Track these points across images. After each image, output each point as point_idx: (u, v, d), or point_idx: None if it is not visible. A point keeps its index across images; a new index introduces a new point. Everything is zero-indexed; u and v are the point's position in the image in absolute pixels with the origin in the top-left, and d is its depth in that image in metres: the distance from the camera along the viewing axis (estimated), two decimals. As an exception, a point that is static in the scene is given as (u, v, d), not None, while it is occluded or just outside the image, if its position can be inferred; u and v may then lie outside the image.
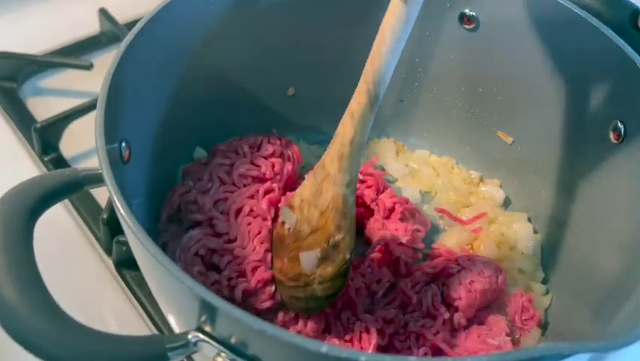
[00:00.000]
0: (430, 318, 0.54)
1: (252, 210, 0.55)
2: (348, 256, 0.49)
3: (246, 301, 0.51)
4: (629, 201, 0.51)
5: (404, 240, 0.57)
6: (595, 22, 0.53)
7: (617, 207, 0.53)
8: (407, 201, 0.63)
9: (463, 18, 0.62)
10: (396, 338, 0.52)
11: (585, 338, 0.50)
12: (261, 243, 0.53)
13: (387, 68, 0.46)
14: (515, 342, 0.55)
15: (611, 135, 0.53)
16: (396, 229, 0.58)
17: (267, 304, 0.51)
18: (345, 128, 0.47)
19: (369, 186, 0.63)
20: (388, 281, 0.55)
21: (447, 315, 0.53)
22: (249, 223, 0.54)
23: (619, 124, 0.52)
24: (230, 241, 0.53)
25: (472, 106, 0.68)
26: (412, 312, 0.54)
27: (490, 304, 0.58)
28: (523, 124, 0.64)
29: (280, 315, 0.52)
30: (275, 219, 0.55)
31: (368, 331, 0.51)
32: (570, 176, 0.59)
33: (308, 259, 0.49)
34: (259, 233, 0.53)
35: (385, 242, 0.57)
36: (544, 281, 0.62)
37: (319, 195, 0.49)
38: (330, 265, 0.49)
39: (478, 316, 0.56)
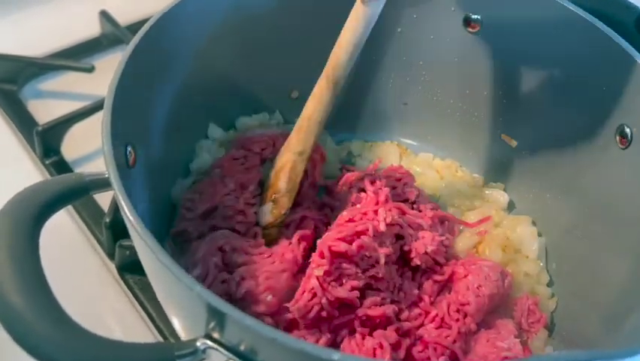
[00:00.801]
0: (446, 327, 0.53)
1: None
2: (283, 212, 0.57)
3: (244, 300, 0.51)
4: (636, 206, 0.51)
5: (429, 249, 0.56)
6: (601, 25, 0.53)
7: (623, 212, 0.52)
8: (438, 207, 0.63)
9: (468, 21, 0.62)
10: (414, 349, 0.52)
11: (593, 342, 0.50)
12: (281, 262, 0.53)
13: (347, 58, 0.53)
14: (523, 344, 0.55)
15: (618, 140, 0.53)
16: (424, 237, 0.57)
17: (261, 308, 0.51)
18: (307, 106, 0.56)
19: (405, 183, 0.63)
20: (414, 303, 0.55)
21: (463, 327, 0.53)
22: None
23: (625, 128, 0.52)
24: (255, 246, 0.55)
25: (476, 109, 0.68)
26: (427, 323, 0.54)
27: (497, 308, 0.57)
28: (527, 128, 0.64)
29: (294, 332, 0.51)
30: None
31: (382, 346, 0.50)
32: (575, 180, 0.59)
33: (262, 211, 0.58)
34: (283, 254, 0.54)
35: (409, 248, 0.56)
36: (550, 284, 0.62)
37: (280, 157, 0.58)
38: (270, 216, 0.58)
39: (486, 320, 0.55)
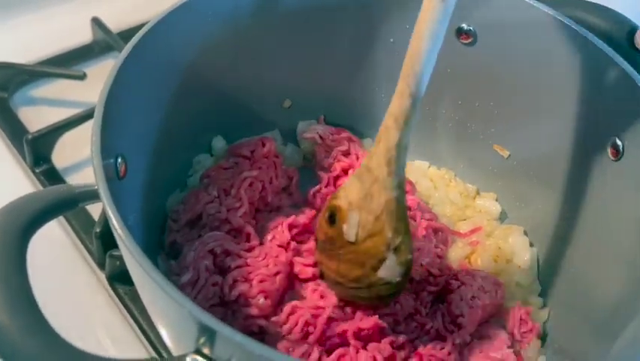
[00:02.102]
0: (440, 339, 0.53)
1: (274, 238, 0.57)
2: (409, 257, 0.50)
3: (236, 303, 0.51)
4: (628, 217, 0.51)
5: (424, 261, 0.57)
6: (593, 39, 0.53)
7: (615, 224, 0.53)
8: (434, 218, 0.63)
9: (460, 33, 0.62)
10: None
11: (586, 353, 0.50)
12: (275, 264, 0.53)
13: (427, 68, 0.46)
14: (516, 354, 0.55)
15: (609, 152, 0.53)
16: (419, 249, 0.57)
17: (254, 312, 0.51)
18: (390, 133, 0.47)
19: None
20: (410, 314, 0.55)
21: (458, 339, 0.53)
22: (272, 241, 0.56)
23: (617, 140, 0.52)
24: (249, 250, 0.54)
25: (468, 120, 0.68)
26: (422, 335, 0.54)
27: (490, 318, 0.57)
28: (519, 138, 0.64)
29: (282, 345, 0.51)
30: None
31: (375, 360, 0.50)
32: (567, 191, 0.59)
33: (387, 269, 0.49)
34: (277, 256, 0.54)
35: None
36: (542, 295, 0.62)
37: (370, 199, 0.49)
38: (399, 268, 0.50)
39: (479, 330, 0.55)
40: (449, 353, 0.52)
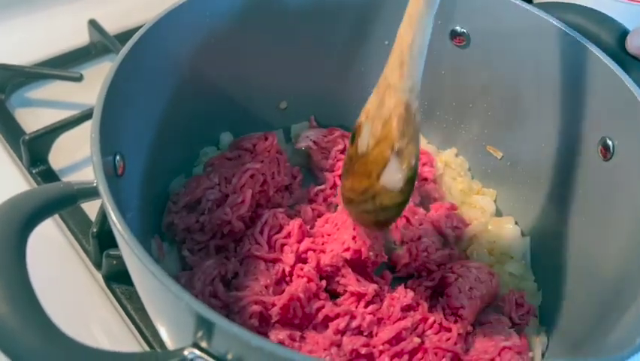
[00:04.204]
0: (444, 330, 0.54)
1: None
2: (413, 163, 0.48)
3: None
4: (620, 213, 0.51)
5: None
6: (584, 41, 0.54)
7: (605, 222, 0.53)
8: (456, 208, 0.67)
9: (454, 35, 0.63)
10: (415, 358, 0.52)
11: (582, 334, 0.50)
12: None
13: None
14: (518, 333, 0.56)
15: (600, 151, 0.54)
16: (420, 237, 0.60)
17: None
18: (404, 33, 0.46)
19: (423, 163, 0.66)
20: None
21: (461, 329, 0.54)
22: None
23: (607, 141, 0.53)
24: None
25: (462, 121, 0.69)
26: (426, 329, 0.54)
27: (487, 306, 0.58)
28: (512, 139, 0.65)
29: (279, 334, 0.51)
30: None
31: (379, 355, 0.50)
32: (559, 190, 0.60)
33: (390, 173, 0.48)
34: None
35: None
36: (535, 282, 0.62)
37: (382, 106, 0.48)
38: (400, 173, 0.48)
39: (479, 318, 0.57)
40: (455, 343, 0.53)
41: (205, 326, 0.34)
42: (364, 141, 0.49)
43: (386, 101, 0.48)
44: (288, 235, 0.57)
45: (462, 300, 0.55)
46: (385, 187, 0.49)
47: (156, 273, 0.34)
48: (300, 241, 0.57)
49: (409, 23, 0.46)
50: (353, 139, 0.51)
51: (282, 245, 0.57)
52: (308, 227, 0.59)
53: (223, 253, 0.58)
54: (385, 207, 0.50)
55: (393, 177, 0.48)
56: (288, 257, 0.55)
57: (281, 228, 0.58)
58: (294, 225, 0.57)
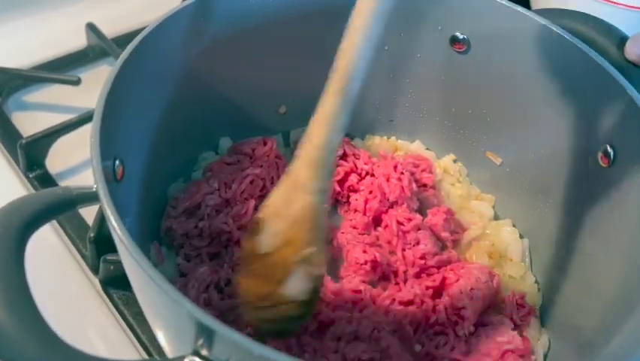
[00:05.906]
0: (443, 335, 0.54)
1: None
2: (319, 273, 0.45)
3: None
4: (619, 224, 0.51)
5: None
6: (584, 47, 0.54)
7: (606, 229, 0.53)
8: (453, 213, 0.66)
9: (454, 41, 0.63)
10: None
11: (587, 344, 0.50)
12: None
13: (361, 65, 0.43)
14: (519, 335, 0.56)
15: (601, 159, 0.53)
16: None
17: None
18: (316, 132, 0.43)
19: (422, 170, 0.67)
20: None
21: (463, 330, 0.53)
22: None
23: (608, 148, 0.52)
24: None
25: (461, 127, 0.69)
26: (428, 329, 0.54)
27: (488, 307, 0.58)
28: (511, 145, 0.65)
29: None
30: None
31: None
32: (559, 197, 0.60)
33: (294, 282, 0.43)
34: None
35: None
36: (535, 283, 0.62)
37: (289, 204, 0.44)
38: (308, 282, 0.44)
39: (480, 320, 0.56)
40: (453, 348, 0.52)
41: (206, 333, 0.33)
42: (267, 241, 0.44)
43: (294, 201, 0.44)
44: None
45: (464, 301, 0.54)
46: (288, 297, 0.43)
47: (157, 280, 0.34)
48: None
49: (323, 123, 0.43)
50: (252, 233, 0.46)
51: None
52: None
53: (217, 259, 0.58)
54: (288, 318, 0.45)
55: (298, 286, 0.43)
56: None
57: None
58: None
